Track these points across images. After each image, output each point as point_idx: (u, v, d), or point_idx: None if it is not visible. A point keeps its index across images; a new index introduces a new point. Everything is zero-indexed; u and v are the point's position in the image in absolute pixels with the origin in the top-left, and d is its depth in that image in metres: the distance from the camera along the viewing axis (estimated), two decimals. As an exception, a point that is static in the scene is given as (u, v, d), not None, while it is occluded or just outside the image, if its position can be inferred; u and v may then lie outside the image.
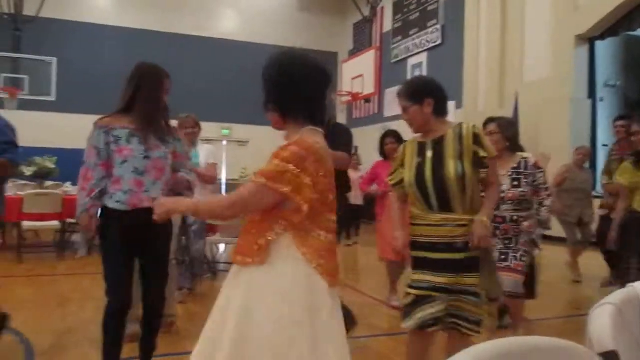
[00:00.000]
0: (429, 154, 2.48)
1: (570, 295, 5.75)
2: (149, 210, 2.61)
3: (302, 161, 1.62)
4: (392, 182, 2.65)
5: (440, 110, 2.52)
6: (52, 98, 11.08)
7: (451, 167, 2.39)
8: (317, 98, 1.78)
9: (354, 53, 14.84)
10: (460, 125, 2.48)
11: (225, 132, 14.44)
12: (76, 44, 12.58)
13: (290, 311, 1.59)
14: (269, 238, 1.66)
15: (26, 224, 6.83)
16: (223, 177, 13.65)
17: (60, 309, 4.44)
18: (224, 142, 14.45)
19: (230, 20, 14.78)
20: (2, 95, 10.63)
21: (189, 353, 3.37)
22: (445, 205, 2.41)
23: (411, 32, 12.96)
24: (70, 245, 7.40)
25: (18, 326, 3.77)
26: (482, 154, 2.40)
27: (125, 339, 2.76)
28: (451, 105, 7.99)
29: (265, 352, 1.57)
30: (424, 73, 11.61)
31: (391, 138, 4.97)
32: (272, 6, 14.94)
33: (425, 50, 12.47)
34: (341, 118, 14.61)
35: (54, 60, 11.09)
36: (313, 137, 1.70)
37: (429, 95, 2.49)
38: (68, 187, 8.14)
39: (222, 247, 7.39)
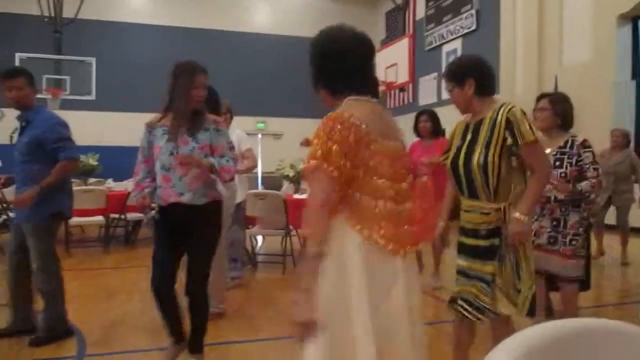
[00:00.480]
0: (468, 137, 2.44)
1: (619, 282, 5.60)
2: (178, 205, 2.73)
3: (329, 130, 1.64)
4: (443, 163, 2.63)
5: (484, 90, 2.43)
6: (92, 97, 11.39)
7: (476, 155, 2.35)
8: (359, 69, 1.79)
9: (386, 42, 14.71)
10: (500, 107, 2.39)
11: (261, 125, 14.56)
12: (113, 44, 12.87)
13: (344, 292, 1.60)
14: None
15: (72, 219, 7.05)
16: (259, 170, 13.79)
17: (108, 301, 4.59)
18: (259, 136, 14.58)
19: (262, 14, 14.85)
20: (45, 96, 10.97)
21: (234, 342, 3.45)
22: (472, 193, 2.41)
23: (445, 19, 12.76)
24: (114, 240, 7.62)
25: (69, 317, 3.92)
26: (509, 141, 2.30)
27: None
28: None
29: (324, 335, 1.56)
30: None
31: (425, 116, 4.95)
32: (303, -2, 14.95)
33: (459, 37, 12.26)
34: (375, 108, 14.53)
35: (93, 60, 11.39)
36: (350, 107, 1.72)
37: (469, 76, 2.42)
38: (110, 184, 8.38)
39: (260, 239, 7.49)
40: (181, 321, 2.95)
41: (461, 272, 2.45)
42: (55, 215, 3.52)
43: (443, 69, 2.64)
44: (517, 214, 2.29)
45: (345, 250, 1.64)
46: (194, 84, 2.75)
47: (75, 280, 5.46)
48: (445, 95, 9.36)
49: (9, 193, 7.13)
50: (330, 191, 1.62)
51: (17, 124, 3.57)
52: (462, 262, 2.44)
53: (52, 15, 11.89)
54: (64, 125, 3.49)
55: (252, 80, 13.95)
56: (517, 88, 10.40)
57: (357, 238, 1.66)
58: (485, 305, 2.38)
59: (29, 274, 3.57)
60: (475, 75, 2.42)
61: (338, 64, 1.77)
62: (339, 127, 1.63)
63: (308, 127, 5.95)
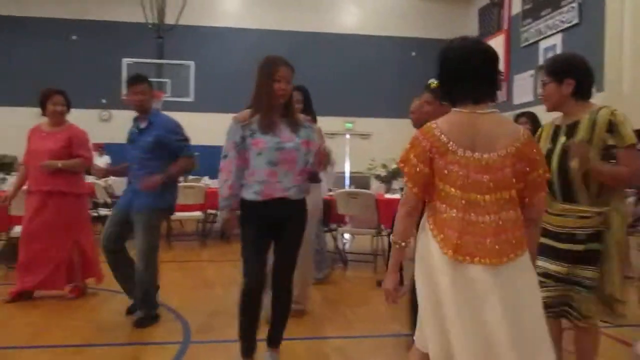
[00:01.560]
0: (562, 139, 2.36)
1: None
2: (282, 200, 2.77)
3: (414, 140, 1.86)
4: None
5: (582, 93, 2.36)
6: (190, 99, 11.97)
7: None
8: (470, 78, 1.86)
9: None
10: (599, 109, 2.31)
11: (349, 125, 14.64)
12: (210, 47, 13.46)
13: (419, 279, 1.89)
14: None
15: (174, 214, 7.46)
16: (347, 169, 13.88)
17: (208, 291, 4.83)
18: (347, 136, 14.66)
19: (351, 15, 14.91)
20: (149, 98, 11.71)
21: (328, 338, 3.51)
22: (568, 196, 2.32)
23: (543, 13, 12.16)
24: (211, 235, 7.99)
25: (175, 306, 4.17)
26: (610, 142, 2.22)
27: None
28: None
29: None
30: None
31: (524, 118, 4.75)
32: (393, -3, 14.84)
33: (559, 32, 11.63)
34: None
35: (192, 63, 11.95)
36: (444, 118, 1.86)
37: (570, 75, 2.35)
38: (207, 181, 8.78)
39: (347, 236, 7.54)
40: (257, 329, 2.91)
41: (549, 276, 2.35)
42: (164, 210, 3.81)
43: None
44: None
45: (425, 247, 1.87)
46: (275, 77, 2.75)
47: (177, 272, 5.80)
48: (543, 93, 8.89)
49: (117, 188, 7.70)
50: (408, 192, 1.87)
51: (125, 124, 3.88)
52: (554, 267, 2.34)
53: (156, 22, 12.64)
54: (181, 127, 3.83)
55: (340, 80, 14.04)
56: (624, 86, 9.70)
57: (431, 239, 1.82)
58: (590, 314, 2.30)
59: (130, 262, 3.85)
60: (576, 76, 2.35)
61: (450, 75, 1.90)
62: (421, 137, 1.84)
63: (396, 126, 5.86)
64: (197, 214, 7.48)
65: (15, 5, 12.93)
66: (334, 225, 6.12)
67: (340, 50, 14.32)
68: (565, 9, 11.51)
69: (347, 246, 7.25)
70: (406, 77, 12.76)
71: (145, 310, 3.77)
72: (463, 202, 1.77)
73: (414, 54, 14.19)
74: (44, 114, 4.31)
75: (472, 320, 1.69)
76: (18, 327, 3.73)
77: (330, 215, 5.90)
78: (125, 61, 11.45)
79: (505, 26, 13.62)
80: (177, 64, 12.18)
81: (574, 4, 11.22)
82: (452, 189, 1.78)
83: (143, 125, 3.76)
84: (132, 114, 3.89)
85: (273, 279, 2.93)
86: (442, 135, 1.80)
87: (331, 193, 6.44)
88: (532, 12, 12.61)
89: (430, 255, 1.82)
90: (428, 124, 1.86)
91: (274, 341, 3.00)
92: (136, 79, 3.80)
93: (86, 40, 13.16)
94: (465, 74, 1.85)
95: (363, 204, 5.61)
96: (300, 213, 2.93)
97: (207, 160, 8.79)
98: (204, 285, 5.16)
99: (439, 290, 1.77)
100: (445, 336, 1.75)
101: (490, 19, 14.36)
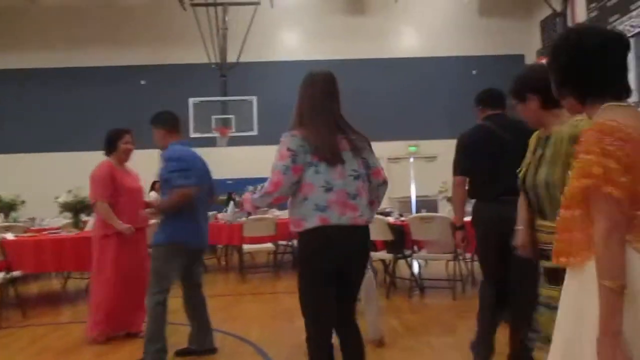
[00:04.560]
0: (539, 152, 2.28)
1: None
2: (362, 230, 2.54)
3: (601, 144, 1.42)
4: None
5: (554, 102, 2.07)
6: (254, 133, 12.23)
7: (542, 172, 2.18)
8: (613, 68, 1.57)
9: (542, 53, 13.82)
10: (568, 122, 2.15)
11: (413, 148, 14.46)
12: (271, 82, 13.78)
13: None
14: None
15: (246, 246, 7.55)
16: (413, 193, 13.66)
17: (289, 323, 4.77)
18: (411, 159, 14.47)
19: (409, 38, 14.87)
20: (214, 135, 12.04)
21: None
22: (540, 211, 2.23)
23: (611, 19, 11.65)
24: (284, 265, 7.99)
25: (255, 339, 4.14)
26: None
27: None
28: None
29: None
30: (631, 63, 10.31)
31: None
32: (451, 16, 14.67)
33: (631, 37, 11.10)
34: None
35: (254, 98, 12.26)
36: (615, 115, 1.48)
37: (529, 91, 2.32)
38: (277, 212, 8.83)
39: (420, 263, 7.33)
40: None
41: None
42: (166, 246, 3.60)
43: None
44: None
45: (635, 281, 1.40)
46: (319, 92, 2.63)
47: (253, 303, 5.81)
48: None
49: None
50: (617, 214, 1.40)
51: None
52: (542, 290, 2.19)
53: (218, 61, 13.09)
54: (176, 159, 3.64)
55: (402, 104, 13.95)
56: None
57: (633, 253, 1.42)
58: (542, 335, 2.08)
59: (195, 294, 3.83)
60: (537, 88, 2.28)
61: (590, 64, 1.56)
62: (611, 139, 1.42)
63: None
64: (268, 245, 7.51)
65: (85, 56, 13.75)
66: (408, 252, 5.96)
67: (399, 74, 14.28)
68: (635, 12, 10.99)
69: (421, 272, 7.05)
70: (468, 96, 12.46)
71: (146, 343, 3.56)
72: None
73: (474, 72, 13.93)
74: (109, 153, 4.41)
75: None
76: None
77: (404, 241, 5.76)
78: (192, 100, 11.90)
79: (570, 36, 13.15)
80: (240, 100, 12.52)
81: (645, 7, 10.70)
82: None
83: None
84: (198, 152, 3.93)
85: (343, 317, 2.61)
86: (634, 132, 1.43)
87: (403, 218, 6.30)
88: (599, 19, 12.11)
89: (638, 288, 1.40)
90: (604, 122, 1.46)
91: None
92: (150, 121, 3.87)
93: (154, 84, 13.80)
94: (613, 65, 1.56)
95: (438, 228, 5.45)
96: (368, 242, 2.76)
97: (274, 191, 8.94)
98: (285, 317, 5.10)
99: None
100: None
101: (553, 30, 13.90)
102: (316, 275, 2.49)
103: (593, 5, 12.31)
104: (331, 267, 2.47)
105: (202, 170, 3.81)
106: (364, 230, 2.54)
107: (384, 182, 2.65)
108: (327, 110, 2.58)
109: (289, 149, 2.49)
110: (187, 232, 3.63)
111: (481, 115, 3.49)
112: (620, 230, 1.40)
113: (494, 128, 3.29)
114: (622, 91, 1.57)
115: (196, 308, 3.85)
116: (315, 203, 2.44)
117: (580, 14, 12.92)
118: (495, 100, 3.46)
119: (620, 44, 1.58)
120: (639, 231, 1.44)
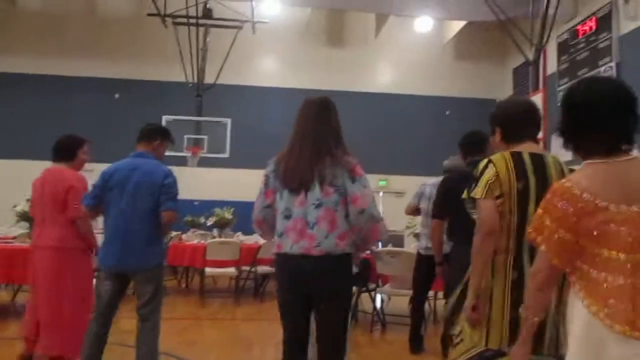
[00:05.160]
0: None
1: None
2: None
3: (548, 204, 1.60)
4: None
5: (510, 137, 2.30)
6: (226, 155, 12.15)
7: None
8: (599, 122, 1.60)
9: (513, 98, 14.23)
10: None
11: (382, 183, 14.57)
12: (247, 106, 13.78)
13: None
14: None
15: (208, 270, 7.38)
16: (380, 227, 13.64)
17: (246, 352, 4.66)
18: (381, 194, 14.55)
19: (386, 74, 15.15)
20: (185, 154, 11.90)
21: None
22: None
23: (579, 73, 12.10)
24: (245, 291, 7.83)
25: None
26: (471, 194, 2.17)
27: None
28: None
29: None
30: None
31: None
32: (428, 57, 15.01)
33: (597, 91, 11.54)
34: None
35: (229, 120, 12.23)
36: (580, 173, 1.60)
37: (494, 124, 2.40)
38: (242, 237, 8.72)
39: (384, 297, 7.29)
40: None
41: None
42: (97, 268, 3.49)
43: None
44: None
45: (575, 326, 1.57)
46: (305, 116, 2.69)
47: (212, 329, 5.66)
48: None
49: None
50: (542, 264, 1.62)
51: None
52: None
53: (196, 81, 13.05)
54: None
55: (374, 138, 14.09)
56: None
57: (585, 314, 1.53)
58: None
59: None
60: (499, 122, 2.35)
61: (576, 118, 1.66)
62: (557, 199, 1.58)
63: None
64: (230, 270, 7.37)
65: (67, 65, 13.54)
66: (372, 286, 5.92)
67: (374, 109, 14.48)
68: (602, 68, 11.45)
69: (383, 307, 7.00)
70: (440, 136, 12.73)
71: None
72: (629, 266, 1.51)
73: (448, 112, 14.24)
74: (65, 160, 3.91)
75: None
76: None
77: (370, 275, 5.73)
78: (165, 118, 11.76)
79: (540, 86, 13.58)
80: (214, 121, 12.46)
81: (612, 64, 11.17)
82: (613, 252, 1.53)
83: None
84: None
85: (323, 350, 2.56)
86: (584, 193, 1.54)
87: (368, 252, 6.27)
88: (568, 72, 12.59)
89: (590, 337, 1.52)
90: (560, 183, 1.61)
91: None
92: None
93: (128, 99, 13.64)
94: (595, 121, 1.61)
95: (404, 263, 5.44)
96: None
97: (241, 215, 8.81)
98: (243, 345, 4.98)
99: None
100: None
101: (525, 78, 14.36)
102: (280, 299, 2.55)
103: (564, 57, 12.79)
104: (290, 294, 2.48)
105: (122, 180, 3.32)
106: (319, 260, 2.43)
107: (362, 211, 2.50)
108: (309, 134, 2.57)
109: (265, 174, 2.57)
110: (100, 253, 3.43)
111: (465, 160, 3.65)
112: (542, 277, 1.63)
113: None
114: (605, 145, 1.60)
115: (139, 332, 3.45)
116: (277, 229, 2.49)
117: (551, 65, 13.40)
118: (475, 147, 3.57)
119: (615, 98, 1.62)
120: (585, 281, 1.56)
